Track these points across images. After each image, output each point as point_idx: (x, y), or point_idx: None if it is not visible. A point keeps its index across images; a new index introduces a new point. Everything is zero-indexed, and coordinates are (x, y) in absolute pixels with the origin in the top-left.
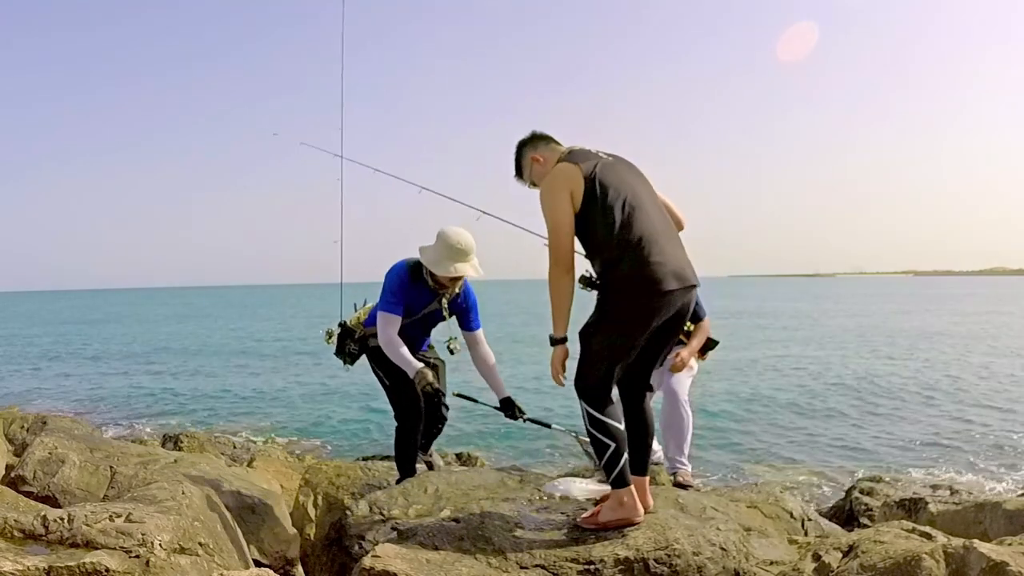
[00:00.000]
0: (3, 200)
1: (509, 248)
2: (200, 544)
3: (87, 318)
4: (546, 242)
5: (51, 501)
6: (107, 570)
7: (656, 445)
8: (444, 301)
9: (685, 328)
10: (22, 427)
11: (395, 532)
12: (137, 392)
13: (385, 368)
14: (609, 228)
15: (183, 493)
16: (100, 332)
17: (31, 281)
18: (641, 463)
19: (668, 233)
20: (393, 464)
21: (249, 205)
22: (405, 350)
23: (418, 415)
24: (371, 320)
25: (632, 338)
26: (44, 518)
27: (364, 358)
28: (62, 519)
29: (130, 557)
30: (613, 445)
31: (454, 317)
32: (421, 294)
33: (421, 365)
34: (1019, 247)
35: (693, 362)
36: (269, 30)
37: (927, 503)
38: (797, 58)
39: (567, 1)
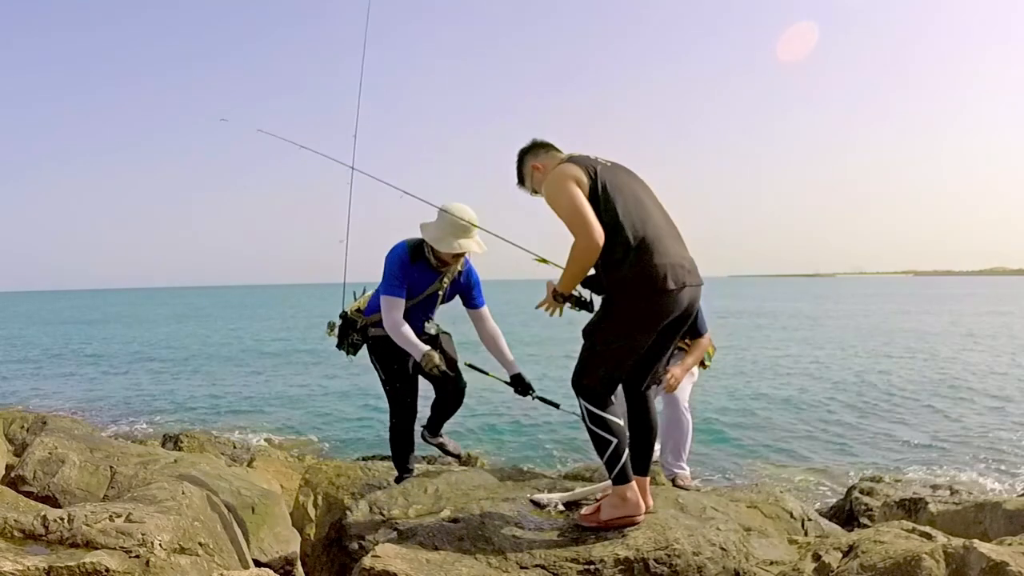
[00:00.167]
0: (3, 200)
1: (509, 248)
2: (200, 544)
3: (87, 318)
4: (535, 258)
5: (51, 501)
6: (107, 570)
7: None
8: (446, 280)
9: (682, 343)
10: (22, 427)
11: (395, 532)
12: (137, 392)
13: (382, 361)
14: (612, 228)
15: (183, 493)
16: (100, 332)
17: (31, 281)
18: (643, 463)
19: (672, 233)
20: (393, 464)
21: (249, 205)
22: (411, 333)
23: (412, 411)
24: (371, 308)
25: (637, 339)
26: (44, 518)
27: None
28: (62, 519)
29: (130, 557)
30: (615, 441)
31: (456, 297)
32: (423, 274)
33: (428, 348)
34: (1019, 247)
35: (695, 369)
36: (269, 30)
37: (927, 503)
38: (797, 58)
39: (567, 1)
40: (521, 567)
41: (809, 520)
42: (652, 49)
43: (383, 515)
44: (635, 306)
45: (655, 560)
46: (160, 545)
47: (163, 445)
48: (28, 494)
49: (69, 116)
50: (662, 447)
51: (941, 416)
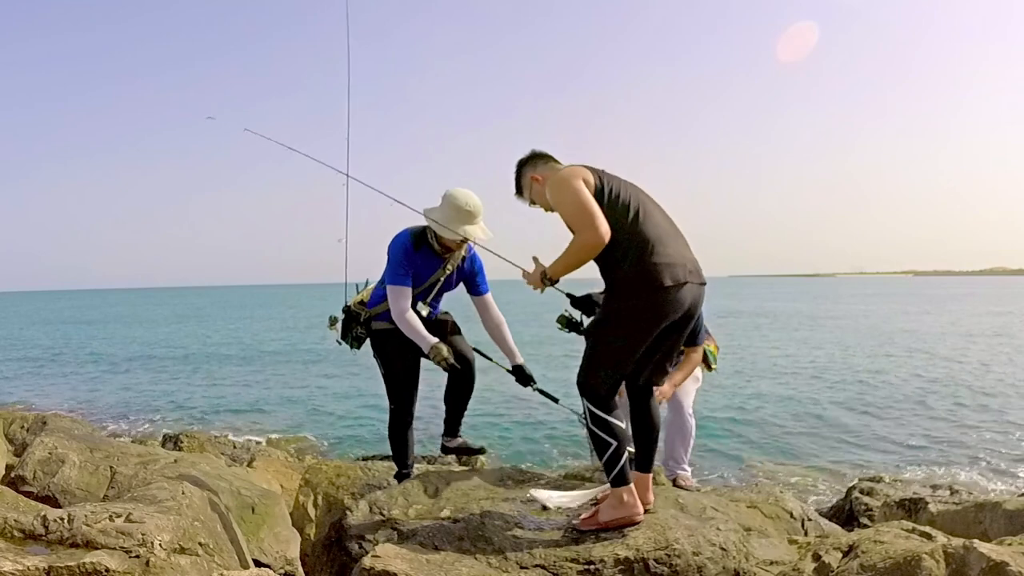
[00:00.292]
0: (3, 200)
1: (509, 248)
2: (200, 544)
3: (87, 318)
4: (522, 272)
5: (51, 501)
6: (107, 570)
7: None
8: (450, 266)
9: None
10: (22, 427)
11: (395, 532)
12: (137, 392)
13: (385, 355)
14: (616, 230)
15: (183, 493)
16: (100, 332)
17: (31, 281)
18: (646, 460)
19: (675, 235)
20: (393, 464)
21: (249, 205)
22: (419, 324)
23: (411, 406)
24: (374, 300)
25: (640, 339)
26: (44, 518)
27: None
28: (62, 519)
29: (130, 557)
30: (614, 444)
31: (460, 284)
32: (427, 261)
33: (436, 340)
34: (1019, 247)
35: (698, 372)
36: (269, 30)
37: (927, 503)
38: (797, 58)
39: (567, 1)
40: (521, 567)
41: (809, 520)
42: (652, 49)
43: (383, 515)
44: (634, 305)
45: (655, 560)
46: (160, 545)
47: (163, 445)
48: (28, 494)
49: (69, 116)
50: (665, 449)
51: (941, 416)
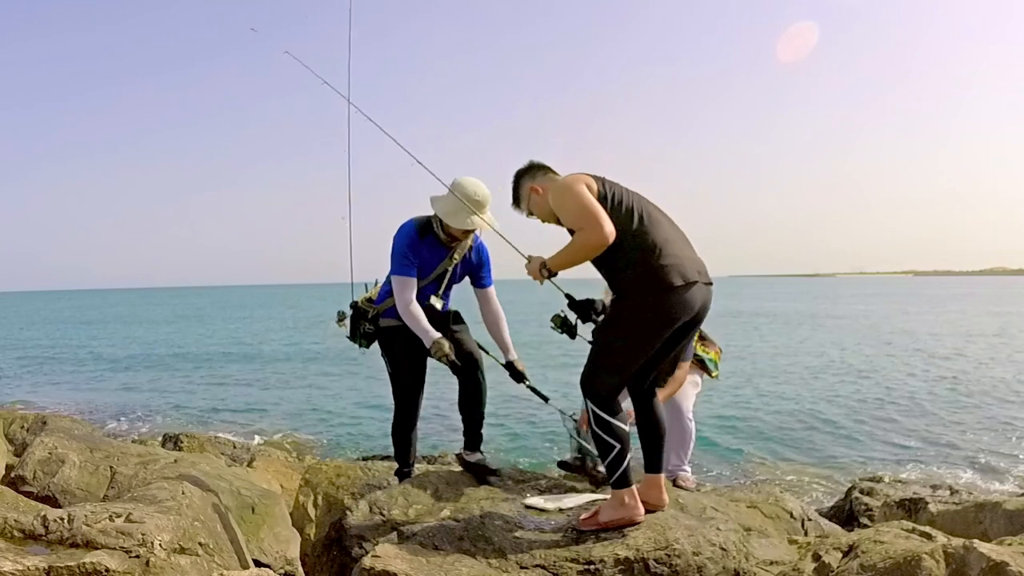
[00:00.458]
0: (3, 200)
1: (507, 248)
2: (200, 544)
3: (87, 318)
4: (526, 262)
5: (51, 501)
6: (107, 570)
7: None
8: (456, 256)
9: None
10: (22, 427)
11: (395, 532)
12: (137, 392)
13: (390, 355)
14: (621, 233)
15: (183, 493)
16: (100, 332)
17: (31, 281)
18: (655, 461)
19: (680, 237)
20: (393, 464)
21: (249, 205)
22: (423, 317)
23: (416, 405)
24: (382, 296)
25: (649, 342)
26: (44, 518)
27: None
28: (62, 519)
29: (130, 557)
30: (618, 446)
31: (467, 279)
32: (432, 251)
33: (439, 336)
34: (1019, 247)
35: (698, 377)
36: (269, 30)
37: (927, 503)
38: (797, 58)
39: (567, 1)
40: (521, 567)
41: (809, 520)
42: (652, 49)
43: (383, 515)
44: (644, 306)
45: (655, 560)
46: (160, 545)
47: (163, 445)
48: (28, 494)
49: (69, 116)
50: (665, 453)
51: (941, 416)
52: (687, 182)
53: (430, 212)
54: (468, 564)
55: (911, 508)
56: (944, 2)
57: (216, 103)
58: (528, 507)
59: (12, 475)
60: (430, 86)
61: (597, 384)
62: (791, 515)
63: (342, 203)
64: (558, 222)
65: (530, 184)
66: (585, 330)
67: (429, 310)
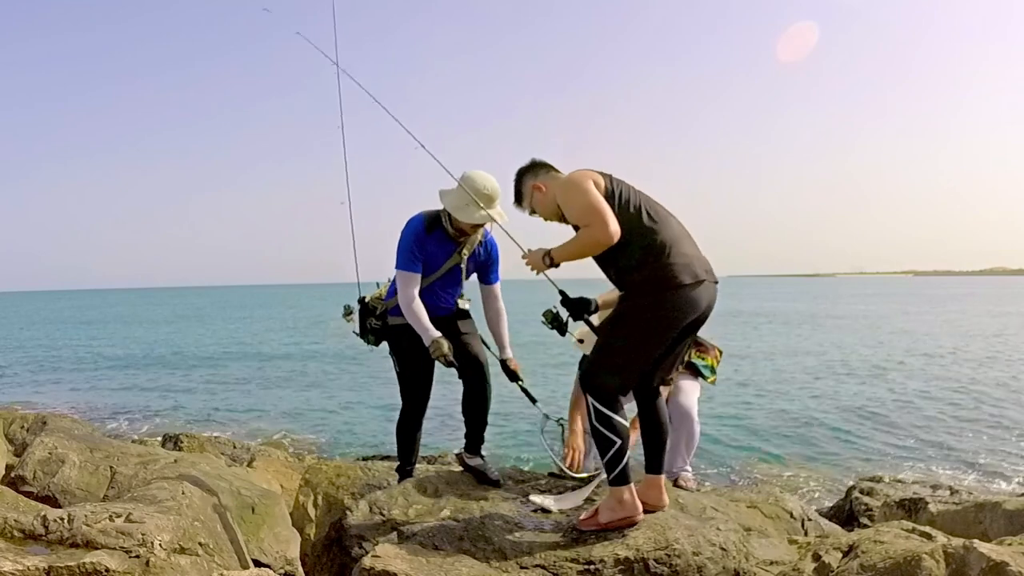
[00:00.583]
0: (3, 200)
1: (511, 247)
2: (200, 544)
3: (87, 318)
4: (524, 254)
5: (51, 501)
6: (107, 570)
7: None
8: (465, 251)
9: None
10: (22, 427)
11: (395, 532)
12: (137, 392)
13: (399, 353)
14: (629, 232)
15: (183, 493)
16: (100, 332)
17: (31, 281)
18: (656, 461)
19: (687, 236)
20: (393, 464)
21: (249, 205)
22: (424, 314)
23: (423, 404)
24: (391, 294)
25: (654, 342)
26: (44, 518)
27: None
28: (62, 519)
29: (130, 557)
30: (618, 442)
31: (475, 274)
32: (440, 245)
33: (438, 335)
34: (1019, 247)
35: (698, 382)
36: (269, 30)
37: (927, 503)
38: (797, 58)
39: (567, 1)
40: (521, 567)
41: (809, 520)
42: (652, 49)
43: (383, 515)
44: (652, 305)
45: (655, 560)
46: (160, 545)
47: (163, 445)
48: (28, 494)
49: (69, 116)
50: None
51: (941, 416)
52: (687, 182)
53: (434, 207)
54: (468, 564)
55: (911, 508)
56: (944, 2)
57: (216, 103)
58: (528, 507)
59: (12, 475)
60: (430, 86)
61: (597, 382)
62: (791, 515)
63: (342, 199)
64: (560, 220)
65: (533, 182)
66: (575, 328)
67: (446, 313)
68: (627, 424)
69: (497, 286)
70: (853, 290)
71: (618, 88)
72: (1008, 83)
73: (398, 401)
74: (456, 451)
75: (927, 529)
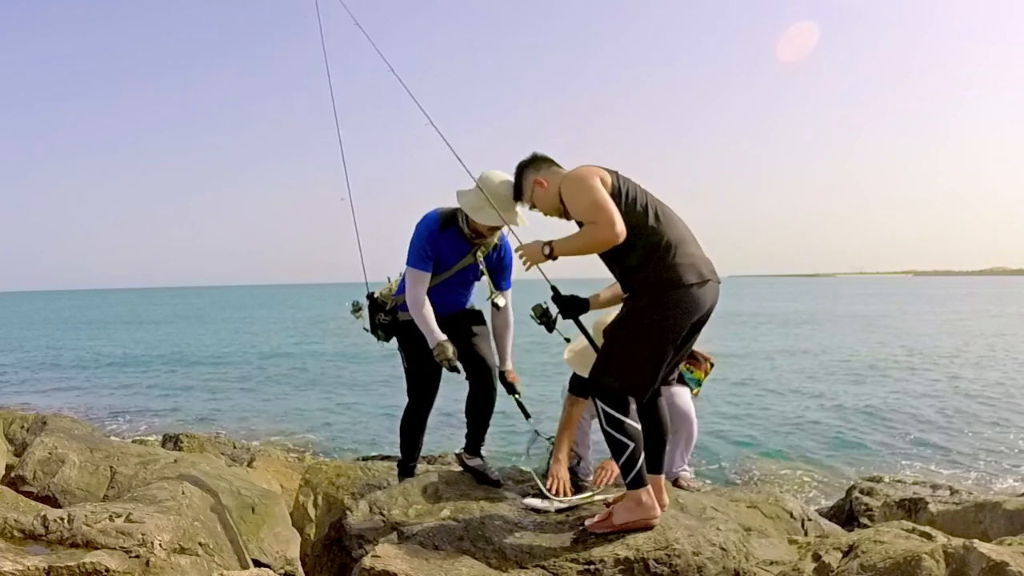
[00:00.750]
0: (3, 200)
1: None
2: (200, 544)
3: (87, 318)
4: (519, 245)
5: (51, 501)
6: (107, 570)
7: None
8: (480, 253)
9: None
10: (22, 427)
11: (395, 532)
12: (137, 392)
13: (408, 350)
14: (635, 231)
15: (183, 493)
16: (100, 332)
17: (31, 281)
18: (657, 461)
19: (691, 236)
20: (393, 464)
21: (249, 205)
22: (431, 317)
23: (429, 401)
24: (401, 289)
25: (661, 343)
26: (44, 518)
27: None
28: (62, 519)
29: (130, 557)
30: (632, 445)
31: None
32: (453, 244)
33: (444, 338)
34: (1019, 247)
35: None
36: (269, 30)
37: (927, 503)
38: (797, 58)
39: (567, 1)
40: (521, 567)
41: (809, 520)
42: (652, 49)
43: (383, 515)
44: (658, 304)
45: (655, 560)
46: (160, 545)
47: (163, 445)
48: (28, 494)
49: (69, 116)
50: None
51: (941, 416)
52: (687, 182)
53: (434, 205)
54: (468, 564)
55: (911, 508)
56: (944, 2)
57: (216, 103)
58: (528, 507)
59: (12, 475)
60: (430, 86)
61: (604, 385)
62: (791, 515)
63: (342, 199)
64: (560, 216)
65: (534, 176)
66: (564, 326)
67: (459, 311)
68: (638, 427)
69: (507, 292)
70: (853, 290)
71: (618, 88)
72: (1008, 83)
73: (399, 401)
74: (456, 451)
75: (927, 529)
